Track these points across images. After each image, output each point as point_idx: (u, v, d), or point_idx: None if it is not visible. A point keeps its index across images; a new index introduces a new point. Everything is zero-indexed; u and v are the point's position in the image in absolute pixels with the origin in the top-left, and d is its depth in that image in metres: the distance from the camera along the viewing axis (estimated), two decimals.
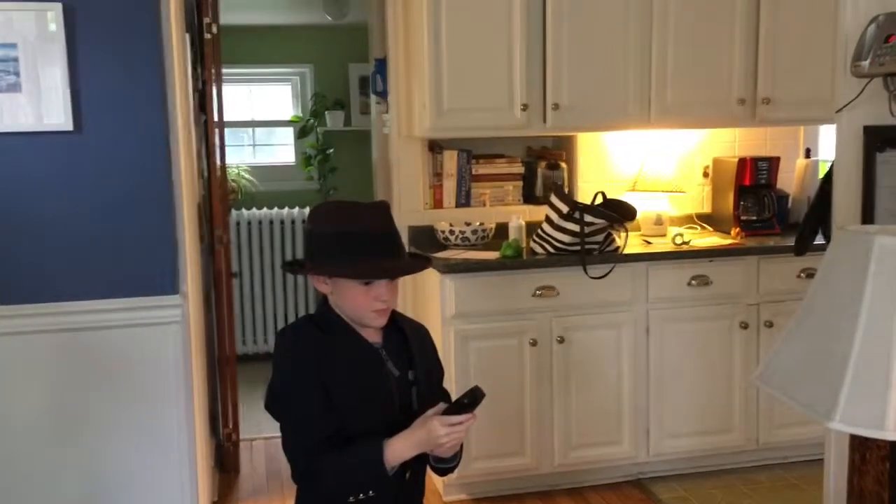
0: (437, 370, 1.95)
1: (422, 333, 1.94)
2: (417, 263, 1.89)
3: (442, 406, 1.72)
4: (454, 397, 1.79)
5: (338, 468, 1.72)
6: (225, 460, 3.84)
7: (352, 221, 1.78)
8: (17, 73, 2.40)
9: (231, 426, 3.83)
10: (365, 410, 1.76)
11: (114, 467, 2.64)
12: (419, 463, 1.80)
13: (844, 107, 2.14)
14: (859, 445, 1.47)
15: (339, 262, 1.76)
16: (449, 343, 3.27)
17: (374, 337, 1.83)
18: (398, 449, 1.71)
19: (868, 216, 2.11)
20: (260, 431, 4.04)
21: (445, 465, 1.82)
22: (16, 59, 2.39)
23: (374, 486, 1.73)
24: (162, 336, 2.60)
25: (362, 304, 1.77)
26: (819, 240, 2.88)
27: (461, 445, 1.79)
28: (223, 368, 3.82)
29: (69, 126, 2.47)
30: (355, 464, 1.71)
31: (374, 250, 1.75)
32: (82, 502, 2.64)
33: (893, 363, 1.27)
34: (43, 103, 2.45)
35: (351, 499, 1.74)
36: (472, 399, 1.70)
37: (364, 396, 1.77)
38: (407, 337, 1.86)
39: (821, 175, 3.93)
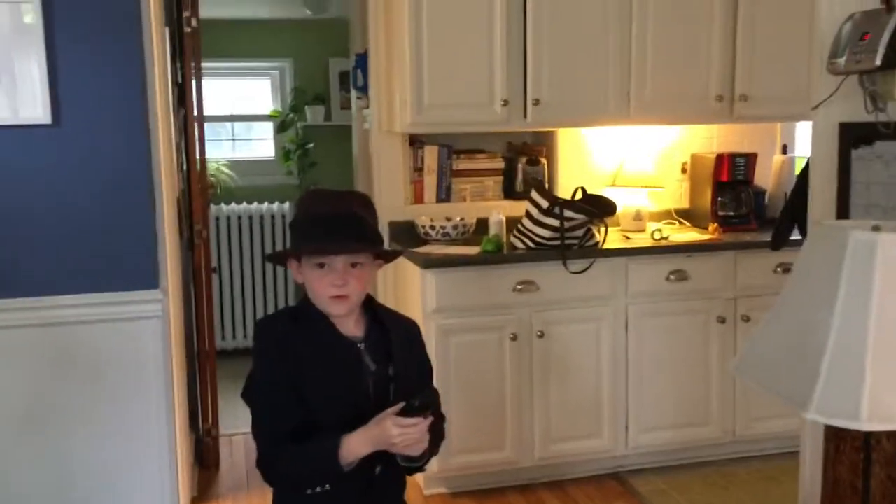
0: (422, 367, 1.93)
1: (407, 329, 1.92)
2: (361, 245, 1.76)
3: (400, 406, 1.71)
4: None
5: (293, 460, 1.72)
6: (204, 456, 3.83)
7: (320, 206, 1.78)
8: None
9: (210, 421, 3.82)
10: (337, 403, 1.75)
11: (94, 462, 2.63)
12: (392, 459, 1.78)
13: (821, 104, 2.16)
14: (834, 436, 1.49)
15: (295, 243, 1.77)
16: (429, 338, 3.28)
17: (353, 330, 1.81)
18: (353, 445, 1.70)
19: (843, 211, 2.14)
20: (239, 427, 4.03)
21: (411, 465, 1.80)
22: None
23: (329, 479, 1.73)
24: (142, 331, 2.60)
25: (319, 289, 1.75)
26: (795, 235, 2.92)
27: (430, 445, 1.77)
28: (202, 364, 3.81)
29: (48, 119, 2.46)
30: (310, 457, 1.72)
31: (328, 232, 1.72)
32: (61, 497, 2.63)
33: (868, 355, 1.30)
34: (21, 96, 2.43)
35: (308, 490, 1.74)
36: (421, 402, 1.69)
37: (336, 390, 1.77)
38: (388, 331, 1.86)
39: (797, 171, 3.98)
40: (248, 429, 1.80)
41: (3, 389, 2.55)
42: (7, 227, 2.50)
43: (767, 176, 4.13)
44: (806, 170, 2.47)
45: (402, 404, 1.70)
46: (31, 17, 2.41)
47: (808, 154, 2.38)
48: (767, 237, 3.35)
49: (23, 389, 2.56)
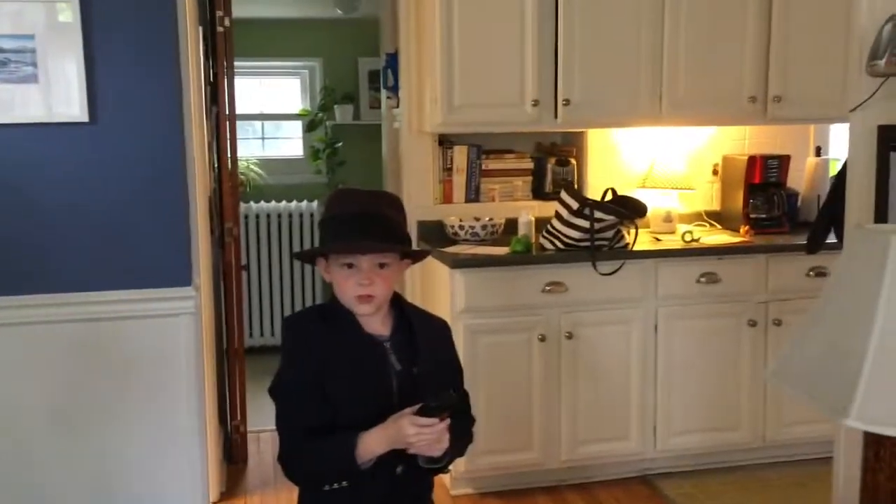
0: (450, 367, 1.92)
1: (436, 328, 1.92)
2: (387, 245, 1.76)
3: (419, 406, 1.70)
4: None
5: (311, 456, 1.73)
6: (233, 452, 3.85)
7: (348, 205, 1.79)
8: (33, 65, 2.42)
9: (239, 418, 3.85)
10: (361, 402, 1.76)
11: (125, 457, 2.66)
12: (415, 459, 1.76)
13: (859, 106, 2.14)
14: (873, 443, 1.47)
15: (323, 242, 1.79)
16: (458, 338, 3.23)
17: (380, 329, 1.81)
18: (369, 443, 1.70)
19: (881, 215, 2.11)
20: (266, 423, 4.01)
21: (432, 465, 1.78)
22: (33, 51, 2.41)
23: (346, 476, 1.73)
24: (175, 327, 2.62)
25: (345, 288, 1.76)
26: (830, 238, 2.89)
27: (453, 446, 1.75)
28: (231, 360, 3.84)
29: (85, 117, 2.48)
30: (327, 453, 1.72)
31: (355, 231, 1.73)
32: (94, 491, 2.66)
33: None
34: (59, 94, 2.46)
35: (326, 487, 1.75)
36: (440, 403, 1.68)
37: (361, 388, 1.77)
38: (415, 330, 1.84)
39: (832, 174, 3.93)
40: (275, 425, 1.82)
41: (37, 384, 2.58)
42: (42, 223, 2.53)
43: (800, 178, 4.08)
44: (842, 172, 2.44)
45: (420, 404, 1.70)
46: (67, 15, 2.44)
47: (844, 156, 2.35)
48: (800, 240, 3.33)
49: (56, 384, 2.59)
